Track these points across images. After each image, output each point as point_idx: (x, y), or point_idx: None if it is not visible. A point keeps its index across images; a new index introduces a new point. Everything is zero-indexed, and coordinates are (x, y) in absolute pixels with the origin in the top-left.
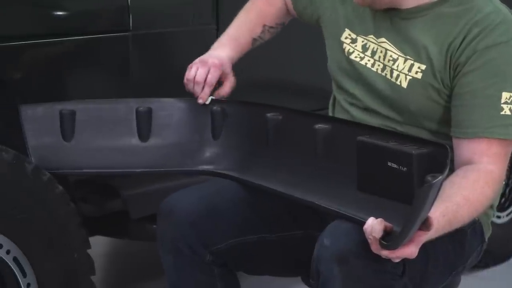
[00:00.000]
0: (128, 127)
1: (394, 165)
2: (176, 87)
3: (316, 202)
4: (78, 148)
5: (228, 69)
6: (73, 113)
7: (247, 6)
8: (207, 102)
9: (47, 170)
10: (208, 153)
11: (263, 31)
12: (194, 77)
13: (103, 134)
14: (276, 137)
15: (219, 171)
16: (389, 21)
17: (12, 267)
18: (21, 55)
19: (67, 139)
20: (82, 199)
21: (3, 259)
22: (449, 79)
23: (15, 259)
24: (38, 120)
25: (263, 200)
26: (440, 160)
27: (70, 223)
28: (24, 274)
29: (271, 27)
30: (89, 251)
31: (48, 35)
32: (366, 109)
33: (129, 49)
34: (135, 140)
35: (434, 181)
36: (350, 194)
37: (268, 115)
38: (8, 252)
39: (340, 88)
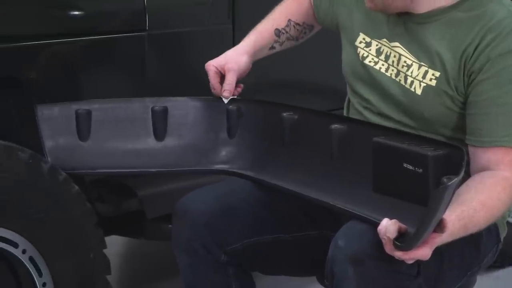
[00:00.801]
0: (144, 127)
1: (410, 167)
2: (192, 87)
3: (331, 203)
4: (94, 148)
5: (223, 61)
6: (89, 113)
7: (277, 5)
8: (225, 101)
9: (63, 170)
10: (223, 152)
11: (287, 25)
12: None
13: (119, 133)
14: (292, 137)
15: (234, 171)
16: (402, 26)
17: (28, 267)
18: (38, 55)
19: (83, 139)
20: (98, 199)
21: (19, 258)
22: (463, 87)
23: (31, 259)
24: (54, 120)
25: (278, 200)
26: (456, 162)
27: (86, 223)
28: (40, 274)
29: (297, 23)
30: (105, 250)
31: (64, 35)
32: (380, 114)
33: (145, 49)
34: (151, 140)
35: (450, 183)
36: (365, 194)
37: (284, 114)
38: (24, 251)
39: (354, 92)
